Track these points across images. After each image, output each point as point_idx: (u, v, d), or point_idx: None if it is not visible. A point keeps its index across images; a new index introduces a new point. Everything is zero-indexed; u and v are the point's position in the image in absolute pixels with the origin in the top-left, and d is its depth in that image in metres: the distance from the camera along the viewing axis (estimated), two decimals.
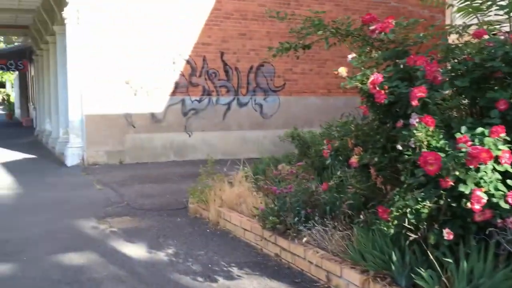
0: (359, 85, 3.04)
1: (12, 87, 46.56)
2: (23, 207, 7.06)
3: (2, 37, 20.87)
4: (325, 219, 4.44)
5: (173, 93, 11.47)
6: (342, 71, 3.10)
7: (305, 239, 4.11)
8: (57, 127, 13.60)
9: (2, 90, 61.56)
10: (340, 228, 4.26)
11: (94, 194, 7.80)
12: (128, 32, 10.85)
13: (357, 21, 3.74)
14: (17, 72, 30.49)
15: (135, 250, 4.98)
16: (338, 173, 4.24)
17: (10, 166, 10.64)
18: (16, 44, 23.80)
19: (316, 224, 4.40)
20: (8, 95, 47.33)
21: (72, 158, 10.70)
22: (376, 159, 3.22)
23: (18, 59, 23.51)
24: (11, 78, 50.12)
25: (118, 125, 10.92)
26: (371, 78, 2.92)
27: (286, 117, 12.58)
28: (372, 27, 3.18)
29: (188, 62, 11.57)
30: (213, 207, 5.95)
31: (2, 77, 57.00)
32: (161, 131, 11.39)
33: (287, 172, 5.52)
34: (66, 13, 10.50)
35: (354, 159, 3.40)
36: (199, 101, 11.76)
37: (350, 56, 3.21)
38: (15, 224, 6.12)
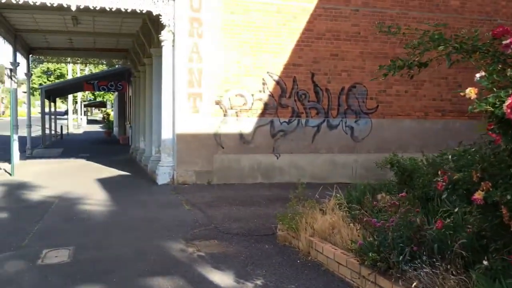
0: (490, 108, 2.56)
1: (112, 106, 49.92)
2: (115, 224, 7.18)
3: (105, 60, 22.26)
4: (434, 260, 3.90)
5: (262, 114, 11.36)
6: (471, 92, 2.64)
7: (414, 284, 3.60)
8: (150, 146, 14.07)
9: (103, 109, 66.23)
10: (454, 272, 3.71)
11: (182, 214, 7.78)
12: (220, 54, 10.97)
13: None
14: (116, 93, 32.56)
15: (223, 279, 4.74)
16: (456, 210, 3.69)
17: (106, 182, 11.08)
18: (116, 66, 25.38)
19: (424, 265, 3.88)
20: (108, 114, 50.76)
21: (162, 176, 10.91)
22: (509, 196, 2.70)
23: (118, 81, 25.02)
24: (111, 98, 53.82)
25: (208, 145, 10.99)
26: (508, 101, 2.43)
27: (379, 141, 11.96)
28: (505, 42, 2.70)
29: (278, 83, 11.42)
30: (304, 236, 5.59)
31: (103, 97, 61.51)
32: (249, 152, 11.29)
33: (388, 203, 5.02)
34: (163, 36, 10.86)
35: (479, 195, 2.89)
36: (288, 122, 11.53)
37: (478, 75, 2.73)
38: (107, 242, 6.20)
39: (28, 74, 19.46)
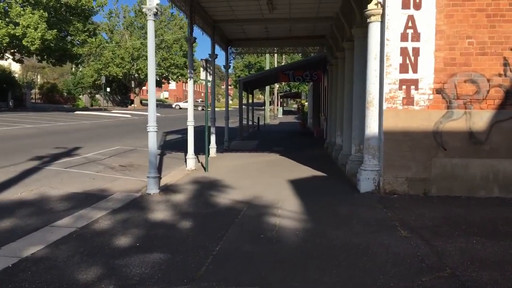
0: None
1: (306, 97, 49.86)
2: (310, 252, 5.52)
3: (300, 49, 21.25)
4: None
5: (502, 105, 8.46)
6: None
7: None
8: (348, 143, 12.23)
9: (298, 99, 67.39)
10: None
11: (398, 244, 5.72)
12: (443, 29, 8.45)
13: None
14: (311, 83, 31.69)
15: None
16: None
17: (299, 185, 9.64)
18: (311, 55, 24.28)
19: None
20: (302, 104, 50.93)
21: (365, 183, 8.96)
22: None
23: (313, 70, 23.90)
24: (305, 89, 53.99)
25: (424, 145, 8.62)
26: None
27: None
28: None
29: None
30: None
31: (298, 89, 62.33)
32: (481, 156, 8.54)
33: None
34: (369, 10, 8.83)
35: None
36: None
37: None
38: (299, 280, 4.56)
39: (227, 66, 19.54)
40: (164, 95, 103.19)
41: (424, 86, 8.60)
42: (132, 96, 68.89)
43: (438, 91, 8.59)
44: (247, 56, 62.68)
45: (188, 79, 12.48)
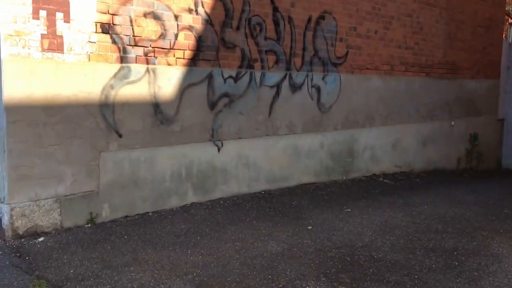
0: None
1: None
2: None
3: None
4: None
5: (193, 60, 5.41)
6: None
7: None
8: None
9: None
10: None
11: None
12: None
13: None
14: None
15: None
16: None
17: None
18: None
19: None
20: None
21: None
22: None
23: None
24: None
25: (86, 131, 4.55)
26: None
27: (347, 109, 7.53)
28: None
29: None
30: None
31: None
32: (170, 141, 5.29)
33: None
34: None
35: None
36: (236, 78, 5.89)
37: None
38: None
39: None
40: None
41: (82, 16, 4.40)
42: None
43: (105, 28, 4.60)
44: None
45: None
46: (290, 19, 6.46)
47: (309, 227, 4.75)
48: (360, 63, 7.67)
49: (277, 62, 6.36)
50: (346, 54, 7.39)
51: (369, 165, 7.99)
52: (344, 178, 7.48)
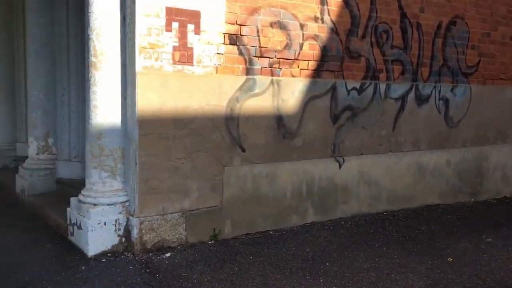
0: None
1: None
2: None
3: None
4: None
5: (317, 71, 5.11)
6: None
7: None
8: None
9: None
10: None
11: None
12: None
13: None
14: None
15: None
16: None
17: None
18: None
19: None
20: None
21: (97, 234, 4.04)
22: None
23: None
24: None
25: (211, 144, 4.44)
26: None
27: (477, 123, 6.77)
28: None
29: (345, 3, 5.24)
30: None
31: None
32: (292, 156, 5.03)
33: None
34: None
35: None
36: (359, 90, 5.51)
37: None
38: None
39: None
40: None
41: (211, 27, 4.30)
42: None
43: (233, 39, 4.47)
44: None
45: None
46: (418, 26, 5.94)
47: (449, 259, 4.21)
48: (493, 72, 6.89)
49: (403, 72, 5.87)
50: (478, 63, 6.67)
51: (500, 186, 7.15)
52: (471, 200, 6.74)
